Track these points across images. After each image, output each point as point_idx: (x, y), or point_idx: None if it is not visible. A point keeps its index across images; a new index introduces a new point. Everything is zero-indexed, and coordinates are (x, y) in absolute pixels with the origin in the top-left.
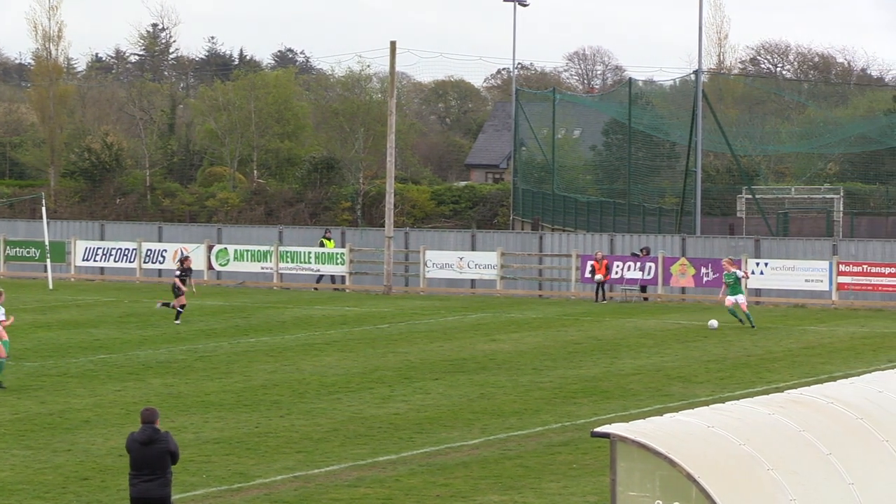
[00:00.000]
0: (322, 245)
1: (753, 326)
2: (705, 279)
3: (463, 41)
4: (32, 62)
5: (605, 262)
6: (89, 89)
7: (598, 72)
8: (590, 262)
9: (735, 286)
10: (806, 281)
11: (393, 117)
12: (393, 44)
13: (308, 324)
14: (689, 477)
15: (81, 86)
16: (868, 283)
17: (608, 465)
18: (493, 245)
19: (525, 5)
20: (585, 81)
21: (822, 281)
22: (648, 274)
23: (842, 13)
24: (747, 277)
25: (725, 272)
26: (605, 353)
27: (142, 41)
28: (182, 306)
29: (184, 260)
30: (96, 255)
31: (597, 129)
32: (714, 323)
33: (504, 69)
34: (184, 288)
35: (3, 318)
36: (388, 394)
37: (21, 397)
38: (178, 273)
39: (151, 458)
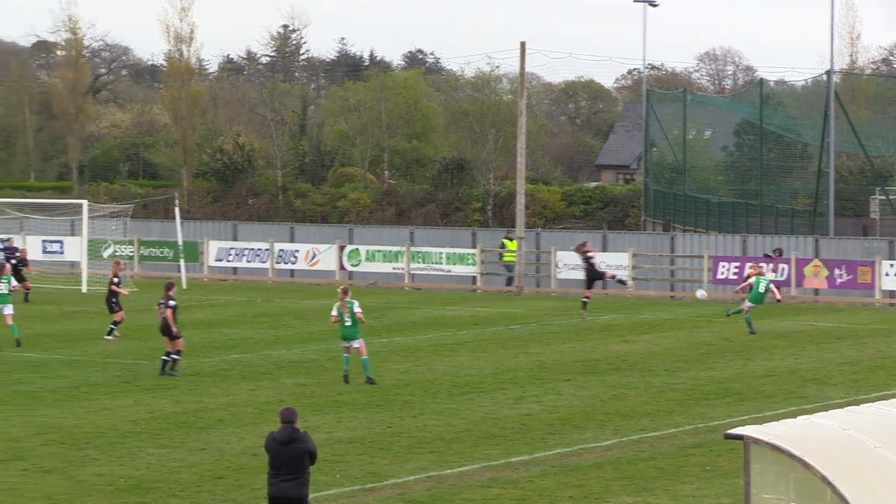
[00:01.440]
0: (503, 246)
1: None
2: (838, 280)
3: (592, 42)
4: (165, 63)
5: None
6: (221, 90)
7: (729, 72)
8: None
9: (757, 294)
10: None
11: (523, 118)
12: (522, 44)
13: (440, 324)
14: (824, 479)
15: (213, 87)
16: None
17: (741, 468)
18: (625, 246)
19: (655, 6)
20: (716, 82)
21: None
22: (782, 275)
23: None
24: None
25: (756, 275)
26: (738, 354)
27: (272, 42)
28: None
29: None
30: (229, 255)
31: (728, 129)
32: (702, 293)
33: (634, 70)
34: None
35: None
36: (520, 394)
37: (156, 396)
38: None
39: (290, 458)
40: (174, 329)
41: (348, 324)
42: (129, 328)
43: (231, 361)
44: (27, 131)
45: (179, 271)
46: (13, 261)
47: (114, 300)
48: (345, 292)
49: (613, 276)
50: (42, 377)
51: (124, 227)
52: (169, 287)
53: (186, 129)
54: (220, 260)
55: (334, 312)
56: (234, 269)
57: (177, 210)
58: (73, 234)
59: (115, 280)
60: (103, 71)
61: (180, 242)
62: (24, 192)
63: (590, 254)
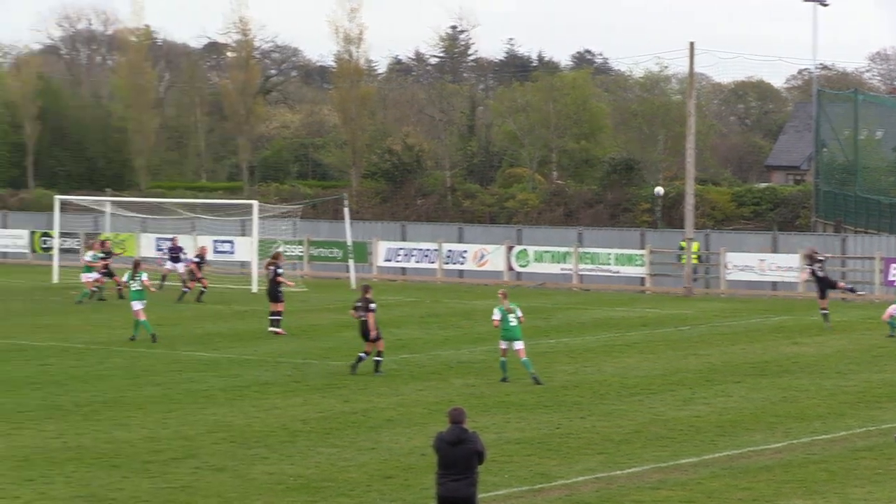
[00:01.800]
0: (682, 248)
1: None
2: None
3: (761, 42)
4: (334, 64)
5: None
6: (389, 91)
7: None
8: None
9: None
10: None
11: (692, 118)
12: (692, 45)
13: (608, 325)
14: None
15: (382, 88)
16: None
17: None
18: (795, 247)
19: (825, 5)
20: (888, 82)
21: None
22: None
23: None
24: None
25: None
26: None
27: (441, 43)
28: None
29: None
30: (398, 255)
31: None
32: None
33: (804, 70)
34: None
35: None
36: (689, 396)
37: (326, 396)
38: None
39: (459, 458)
40: (374, 332)
41: (513, 324)
42: (299, 327)
43: (400, 361)
44: (199, 132)
45: (348, 271)
46: (196, 259)
47: (279, 290)
48: (504, 296)
49: (847, 288)
50: (213, 376)
51: (294, 227)
52: (366, 290)
53: (356, 130)
54: (389, 260)
55: (496, 315)
56: (403, 269)
57: (346, 210)
58: (243, 235)
59: (279, 271)
60: (273, 72)
61: (349, 243)
62: (195, 193)
63: (819, 258)
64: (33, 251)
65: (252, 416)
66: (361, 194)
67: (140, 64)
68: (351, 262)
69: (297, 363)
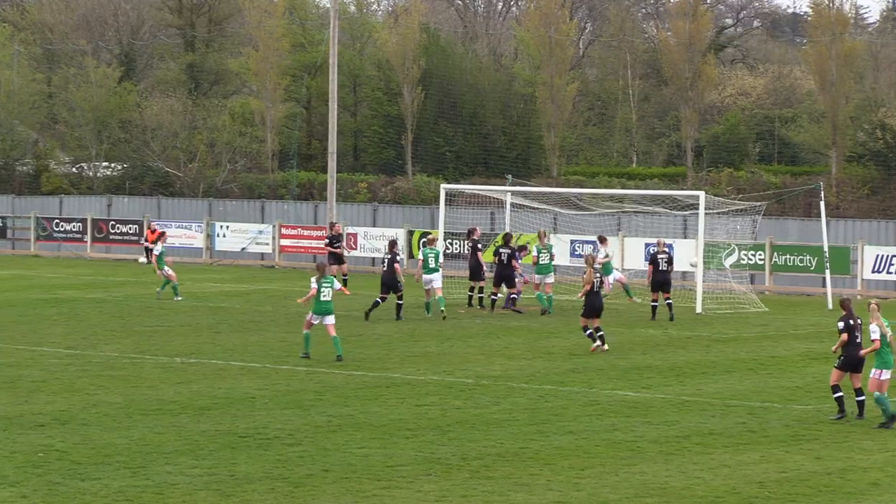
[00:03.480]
0: None
1: None
2: None
3: None
4: (810, 12)
5: None
6: (883, 46)
7: None
8: None
9: None
10: None
11: None
12: None
13: None
14: None
15: (873, 42)
16: None
17: None
18: None
19: None
20: None
21: None
22: None
23: None
24: None
25: None
26: None
27: None
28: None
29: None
30: (891, 264)
31: None
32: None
33: None
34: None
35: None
36: None
37: (790, 450)
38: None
39: None
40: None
41: None
42: (757, 359)
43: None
44: (629, 102)
45: (824, 285)
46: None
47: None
48: None
49: None
50: (643, 422)
51: (753, 227)
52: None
53: (837, 99)
54: (879, 271)
55: None
56: None
57: (822, 205)
58: (685, 236)
59: (398, 257)
60: (729, 22)
61: (825, 248)
62: (623, 181)
63: None
64: (410, 256)
65: (693, 475)
66: (843, 184)
67: (554, 12)
68: (827, 274)
69: (752, 407)
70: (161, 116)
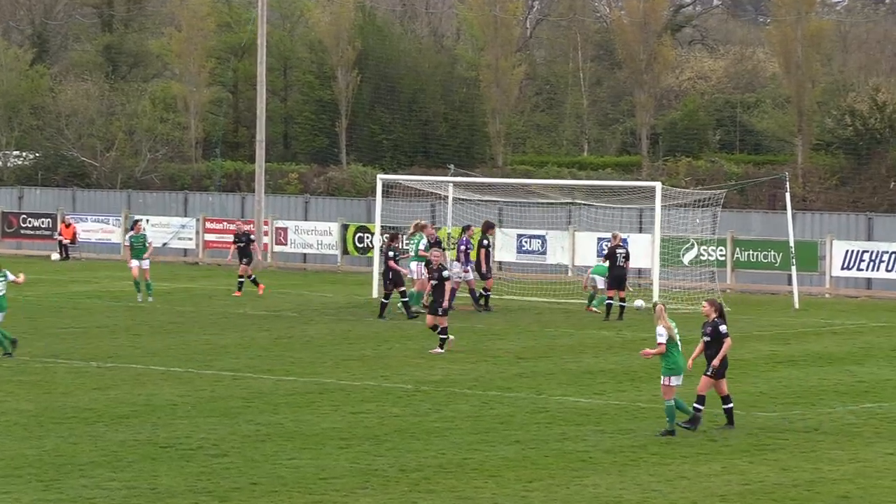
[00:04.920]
0: None
1: None
2: None
3: None
4: None
5: None
6: (852, 27)
7: None
8: None
9: None
10: None
11: None
12: None
13: None
14: None
15: (842, 22)
16: None
17: None
18: None
19: None
20: None
21: None
22: None
23: None
24: None
25: None
26: None
27: None
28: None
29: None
30: (860, 261)
31: None
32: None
33: None
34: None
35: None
36: None
37: (754, 461)
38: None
39: None
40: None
41: None
42: None
43: (861, 413)
44: (581, 86)
45: (789, 283)
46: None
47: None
48: None
49: None
50: (596, 431)
51: (714, 220)
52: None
53: (803, 83)
54: (849, 268)
55: None
56: (868, 280)
57: (787, 197)
58: (640, 230)
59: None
60: (687, 0)
61: (791, 243)
62: (574, 172)
63: None
64: (345, 252)
65: (649, 488)
66: (809, 174)
67: None
68: (793, 271)
69: (713, 414)
70: (76, 102)
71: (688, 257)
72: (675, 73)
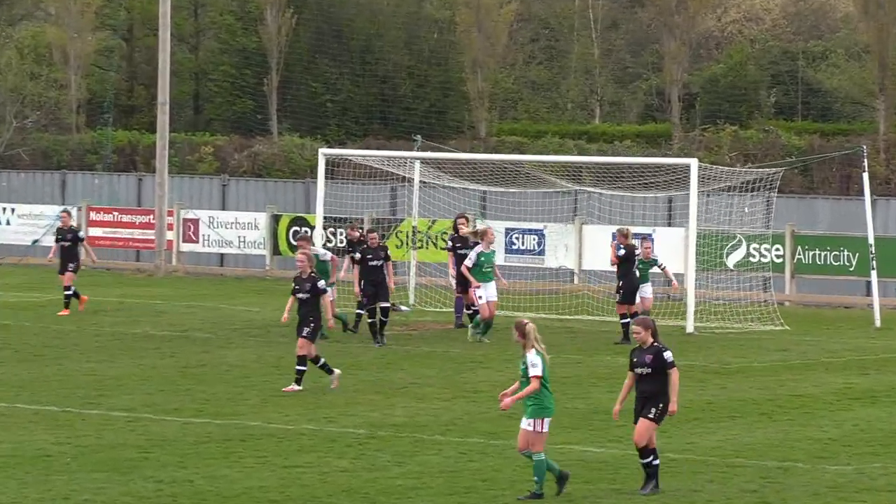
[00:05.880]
0: None
1: None
2: None
3: None
4: None
5: None
6: None
7: None
8: None
9: None
10: None
11: None
12: None
13: None
14: None
15: None
16: None
17: None
18: None
19: None
20: None
21: None
22: None
23: None
24: None
25: None
26: None
27: None
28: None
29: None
30: None
31: None
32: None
33: None
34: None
35: None
36: None
37: None
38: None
39: None
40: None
41: None
42: (775, 399)
43: None
44: (592, 31)
45: (868, 292)
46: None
47: None
48: None
49: None
50: (611, 490)
51: (767, 209)
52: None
53: (886, 26)
54: None
55: None
56: None
57: (865, 178)
58: (669, 224)
59: None
60: None
61: (871, 240)
62: (581, 145)
63: None
64: (276, 251)
65: None
66: (894, 147)
67: None
68: (873, 277)
69: (767, 468)
70: None
71: (733, 259)
72: (717, 14)
